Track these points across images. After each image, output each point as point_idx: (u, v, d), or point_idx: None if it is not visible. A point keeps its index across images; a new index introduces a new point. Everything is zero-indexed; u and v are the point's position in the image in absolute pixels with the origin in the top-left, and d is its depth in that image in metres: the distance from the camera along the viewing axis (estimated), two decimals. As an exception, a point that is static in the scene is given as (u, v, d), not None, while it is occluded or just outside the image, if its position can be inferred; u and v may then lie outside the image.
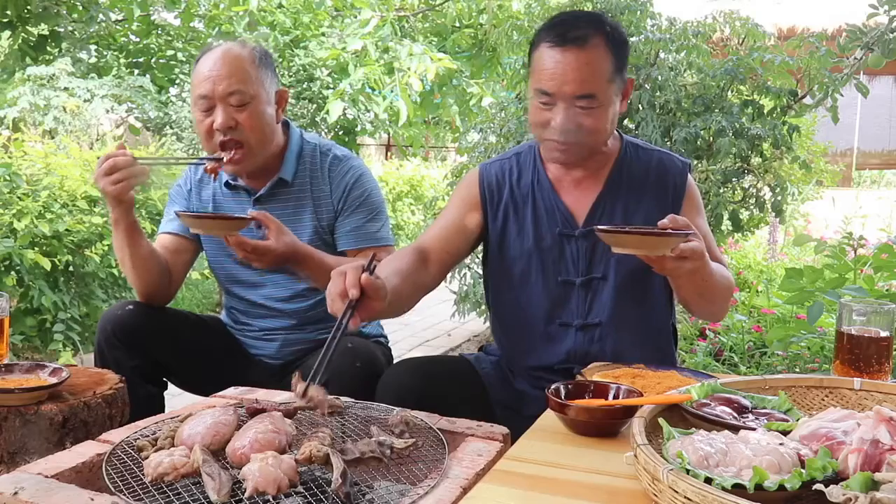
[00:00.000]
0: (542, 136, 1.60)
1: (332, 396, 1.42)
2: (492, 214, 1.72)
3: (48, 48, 6.54)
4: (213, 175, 1.87)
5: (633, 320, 1.65)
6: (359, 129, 8.59)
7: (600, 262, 1.65)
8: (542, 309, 1.67)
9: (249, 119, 1.82)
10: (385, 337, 2.16)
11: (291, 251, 1.72)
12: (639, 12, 3.61)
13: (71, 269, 3.98)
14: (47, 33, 6.24)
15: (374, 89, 6.18)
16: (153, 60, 8.80)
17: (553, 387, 1.25)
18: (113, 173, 1.71)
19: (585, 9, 3.80)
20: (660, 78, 3.44)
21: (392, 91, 5.93)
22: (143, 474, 1.09)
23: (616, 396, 1.25)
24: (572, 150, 1.59)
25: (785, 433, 0.98)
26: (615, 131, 1.72)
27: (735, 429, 1.00)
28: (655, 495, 0.87)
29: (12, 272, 3.70)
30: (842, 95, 3.38)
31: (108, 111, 6.99)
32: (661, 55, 3.61)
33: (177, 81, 8.40)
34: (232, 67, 1.81)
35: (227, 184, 1.98)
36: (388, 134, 10.70)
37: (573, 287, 1.66)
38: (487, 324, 4.68)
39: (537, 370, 1.69)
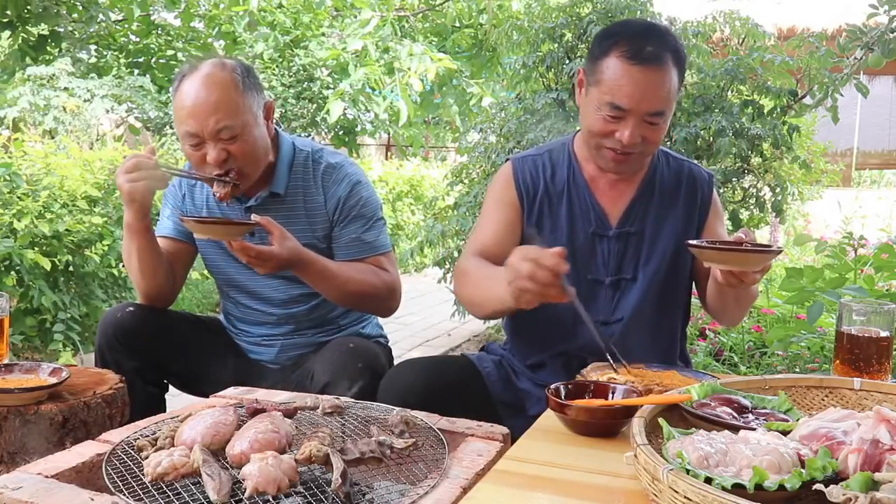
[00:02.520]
0: (602, 144, 1.60)
1: (333, 397, 1.43)
2: (528, 209, 1.72)
3: (48, 48, 6.55)
4: (225, 201, 1.85)
5: (651, 320, 1.68)
6: (359, 129, 8.60)
7: (630, 263, 1.68)
8: (568, 306, 1.68)
9: (242, 148, 1.78)
10: (385, 337, 2.16)
11: (295, 256, 1.72)
12: (639, 12, 3.61)
13: (71, 269, 3.97)
14: (47, 33, 6.25)
15: (374, 89, 6.19)
16: (153, 60, 8.80)
17: (553, 386, 1.25)
18: (133, 172, 1.72)
19: (585, 9, 3.81)
20: (660, 78, 3.44)
21: (392, 91, 5.94)
22: (143, 474, 1.09)
23: (616, 396, 1.25)
24: (630, 160, 1.61)
25: (785, 433, 0.98)
26: None
27: (735, 429, 1.00)
28: (655, 495, 0.87)
29: (12, 272, 3.70)
30: (842, 95, 3.38)
31: (108, 111, 6.99)
32: (662, 55, 3.61)
33: (177, 81, 8.39)
34: (217, 100, 1.74)
35: None
36: (388, 134, 10.70)
37: (602, 286, 1.67)
38: (487, 324, 4.69)
39: (557, 356, 1.69)
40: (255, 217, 1.70)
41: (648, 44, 1.54)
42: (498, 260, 1.67)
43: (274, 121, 1.92)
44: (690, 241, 1.41)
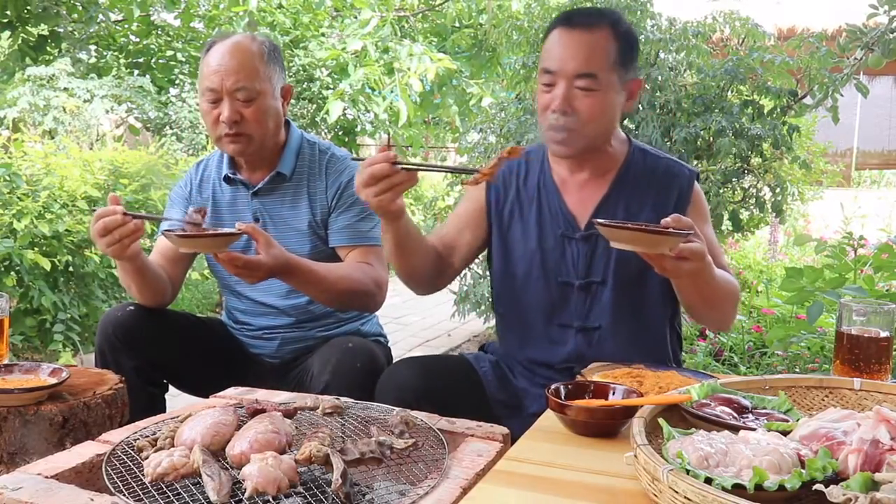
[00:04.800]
0: (543, 121, 1.62)
1: (332, 396, 1.43)
2: (496, 214, 1.73)
3: (48, 48, 6.54)
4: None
5: (631, 325, 1.66)
6: (359, 129, 8.59)
7: (599, 265, 1.66)
8: (542, 309, 1.68)
9: (255, 114, 1.87)
10: (384, 336, 2.16)
11: (282, 263, 1.71)
12: (639, 12, 3.61)
13: (71, 269, 3.97)
14: (47, 33, 6.24)
15: (374, 89, 6.18)
16: (153, 61, 8.79)
17: (553, 387, 1.25)
18: (106, 235, 1.66)
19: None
20: (660, 78, 3.45)
21: (392, 91, 5.93)
22: (143, 474, 1.09)
23: (616, 396, 1.25)
24: (570, 137, 1.59)
25: (785, 433, 0.98)
26: (625, 135, 1.74)
27: (735, 429, 1.00)
28: (655, 495, 0.87)
29: (12, 272, 3.70)
30: (842, 95, 3.38)
31: (108, 111, 6.99)
32: (661, 55, 3.61)
33: (177, 82, 8.39)
34: (240, 63, 1.85)
35: (226, 178, 2.01)
36: (388, 134, 10.69)
37: (572, 289, 1.67)
38: (487, 324, 4.69)
39: (539, 365, 1.70)
40: (239, 225, 1.69)
41: (581, 13, 1.63)
42: (454, 247, 1.74)
43: (289, 104, 1.99)
44: (598, 220, 1.34)
